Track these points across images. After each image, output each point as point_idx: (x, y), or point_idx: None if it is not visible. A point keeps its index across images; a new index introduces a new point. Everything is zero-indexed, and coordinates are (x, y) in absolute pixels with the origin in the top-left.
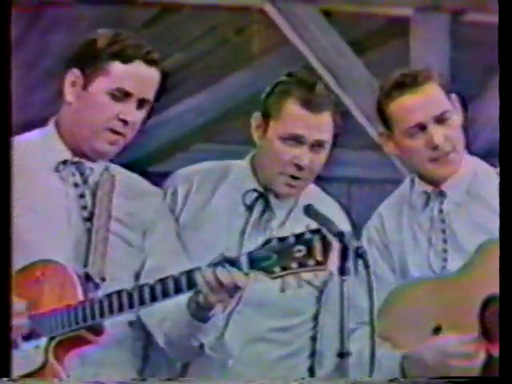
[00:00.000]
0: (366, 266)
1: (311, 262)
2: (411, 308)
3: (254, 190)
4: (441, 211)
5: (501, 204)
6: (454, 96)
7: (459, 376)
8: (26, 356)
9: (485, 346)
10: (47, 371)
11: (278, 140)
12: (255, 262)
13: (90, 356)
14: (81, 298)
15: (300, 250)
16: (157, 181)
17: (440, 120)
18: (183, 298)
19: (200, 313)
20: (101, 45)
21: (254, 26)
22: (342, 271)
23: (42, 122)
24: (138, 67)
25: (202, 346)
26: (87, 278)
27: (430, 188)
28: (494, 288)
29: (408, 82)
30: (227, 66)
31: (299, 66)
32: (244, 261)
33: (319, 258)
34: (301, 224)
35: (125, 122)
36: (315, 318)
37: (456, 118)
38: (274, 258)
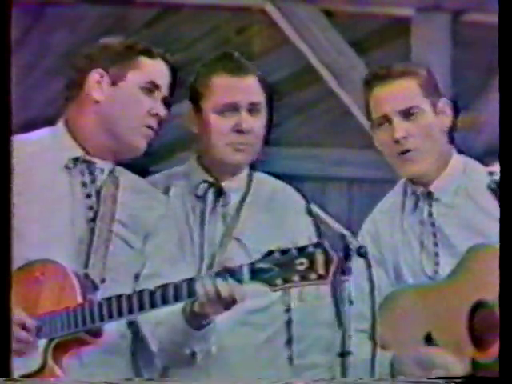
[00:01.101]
0: (368, 266)
1: (313, 276)
2: (402, 315)
3: (204, 181)
4: (430, 214)
5: (501, 204)
6: (444, 100)
7: (459, 376)
8: (25, 357)
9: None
10: (46, 373)
11: (213, 115)
12: (256, 274)
13: (87, 358)
14: (80, 299)
15: (302, 263)
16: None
17: (406, 115)
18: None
19: (194, 321)
20: (125, 44)
21: (254, 26)
22: (343, 271)
23: (42, 122)
24: (161, 63)
25: (193, 354)
26: (87, 279)
27: (418, 189)
28: (482, 293)
29: (382, 75)
30: None
31: (300, 65)
32: (245, 272)
33: (321, 271)
34: (259, 208)
35: (157, 116)
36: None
37: (429, 118)
38: (276, 270)
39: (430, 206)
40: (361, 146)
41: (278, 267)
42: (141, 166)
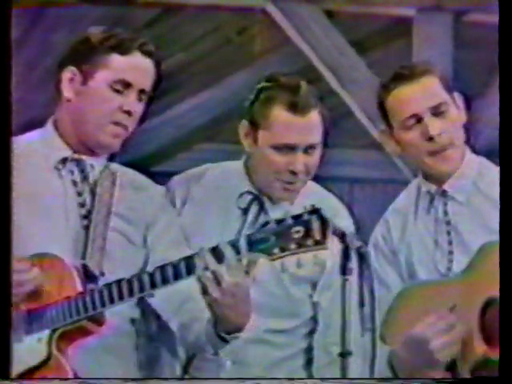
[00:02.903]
0: (368, 266)
1: (310, 242)
2: (414, 312)
3: (249, 193)
4: (445, 213)
5: (501, 203)
6: (457, 95)
7: (459, 377)
8: (29, 350)
9: (458, 319)
10: (52, 364)
11: (270, 149)
12: (254, 245)
13: (91, 347)
14: (80, 289)
15: (298, 231)
16: (159, 181)
17: (437, 112)
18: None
19: (220, 338)
20: (96, 39)
21: (256, 26)
22: (344, 271)
23: (42, 122)
24: (136, 58)
25: (216, 353)
26: (85, 270)
27: (433, 188)
28: (493, 290)
29: (405, 74)
30: (229, 66)
31: (301, 65)
32: (243, 243)
33: (318, 237)
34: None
35: (128, 113)
36: (313, 320)
37: (455, 113)
38: (273, 239)
39: (445, 204)
40: (362, 146)
41: (275, 236)
42: (141, 167)
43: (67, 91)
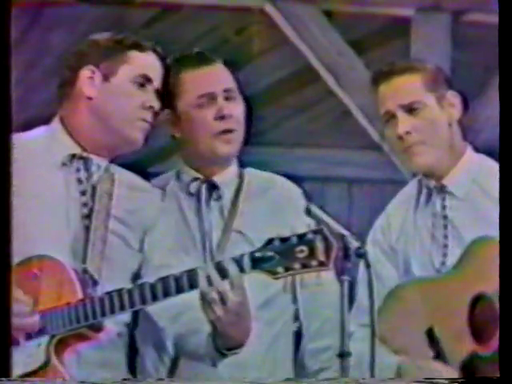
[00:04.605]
0: (367, 266)
1: (314, 263)
2: (405, 309)
3: (195, 179)
4: (444, 207)
5: (501, 202)
6: (452, 93)
7: (459, 377)
8: (28, 354)
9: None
10: (49, 369)
11: (193, 109)
12: (258, 263)
13: (86, 355)
14: (80, 294)
15: (302, 251)
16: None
17: (409, 110)
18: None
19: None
20: (112, 40)
21: (254, 26)
22: (342, 271)
23: (42, 121)
24: (152, 57)
25: (214, 365)
26: (85, 274)
27: (432, 183)
28: (482, 287)
29: (386, 72)
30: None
31: (299, 66)
32: (246, 261)
33: (322, 258)
34: (255, 199)
35: (151, 108)
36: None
37: (434, 112)
38: (277, 258)
39: (443, 199)
40: (361, 146)
41: (279, 255)
42: (139, 168)
43: (88, 89)
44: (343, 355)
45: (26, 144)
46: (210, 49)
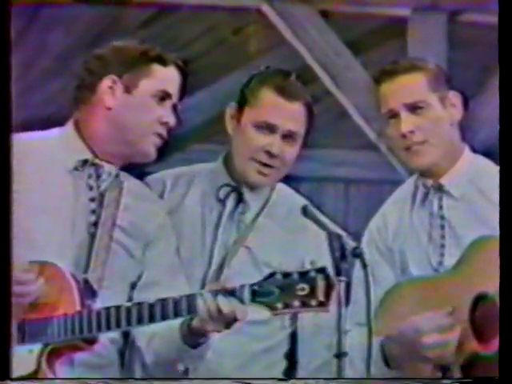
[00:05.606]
0: (364, 267)
1: (313, 303)
2: (405, 308)
3: (227, 185)
4: (440, 207)
5: (500, 202)
6: (453, 93)
7: (460, 377)
8: (19, 360)
9: (460, 321)
10: (38, 377)
11: (251, 127)
12: (257, 296)
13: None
14: (78, 304)
15: (303, 289)
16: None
17: (412, 109)
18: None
19: (191, 338)
20: (137, 50)
21: (251, 26)
22: (339, 272)
23: (39, 122)
24: (172, 71)
25: (186, 371)
26: (86, 284)
27: (429, 182)
28: (483, 286)
29: (389, 70)
30: (225, 67)
31: (296, 66)
32: (246, 293)
33: (322, 298)
34: (275, 220)
35: (166, 124)
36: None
37: (437, 111)
38: (277, 293)
39: (440, 199)
40: (358, 146)
41: (279, 290)
42: (136, 168)
43: (109, 100)
44: (340, 356)
45: (35, 145)
46: (209, 49)
